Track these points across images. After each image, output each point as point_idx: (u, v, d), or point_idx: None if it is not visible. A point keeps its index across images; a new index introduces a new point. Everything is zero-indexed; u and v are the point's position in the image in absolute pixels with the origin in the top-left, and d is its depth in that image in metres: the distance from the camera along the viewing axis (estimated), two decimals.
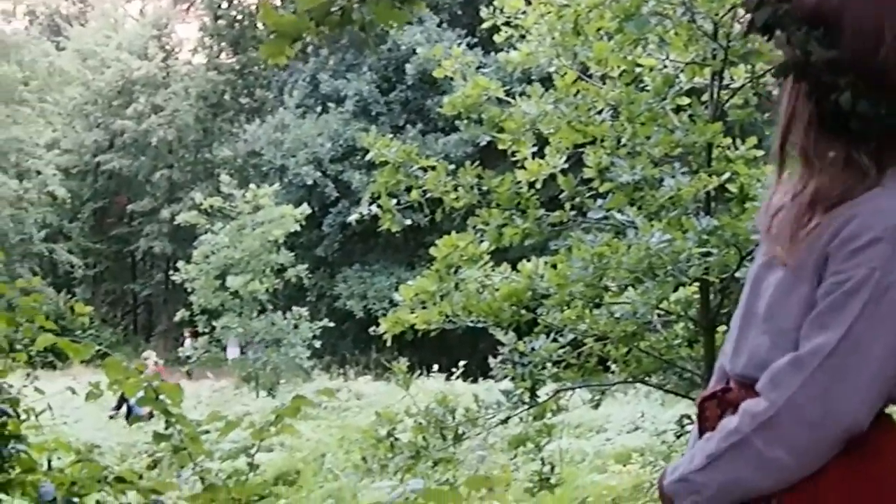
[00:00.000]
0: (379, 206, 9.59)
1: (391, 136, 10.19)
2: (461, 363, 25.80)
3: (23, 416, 5.20)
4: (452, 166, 9.63)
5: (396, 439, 9.57)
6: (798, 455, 2.35)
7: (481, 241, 9.50)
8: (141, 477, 5.02)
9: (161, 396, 4.76)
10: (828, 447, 2.34)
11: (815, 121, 2.51)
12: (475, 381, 24.96)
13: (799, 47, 2.46)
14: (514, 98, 9.67)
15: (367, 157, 9.95)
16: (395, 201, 9.56)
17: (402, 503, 4.47)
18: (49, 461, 5.21)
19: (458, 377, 26.35)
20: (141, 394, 4.77)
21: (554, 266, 9.06)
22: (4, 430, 5.07)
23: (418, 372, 28.43)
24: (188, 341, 37.87)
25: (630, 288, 8.90)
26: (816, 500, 2.38)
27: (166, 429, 4.78)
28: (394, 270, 43.55)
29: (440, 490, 4.32)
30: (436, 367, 28.51)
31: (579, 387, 9.69)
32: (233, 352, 36.80)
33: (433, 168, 9.51)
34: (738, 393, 2.56)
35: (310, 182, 45.01)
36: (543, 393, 9.54)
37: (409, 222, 9.84)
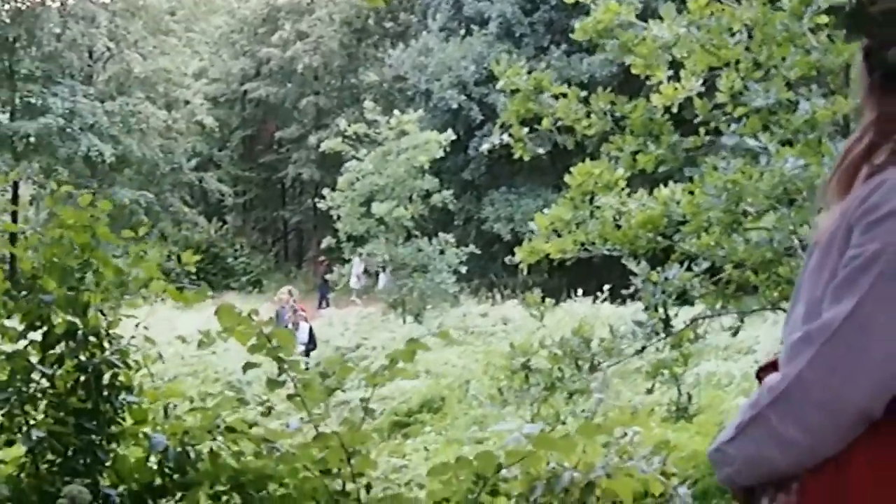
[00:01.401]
0: (510, 134, 9.50)
1: (535, 57, 10.01)
2: (607, 286, 25.57)
3: (135, 363, 5.24)
4: (584, 93, 9.49)
5: (531, 370, 9.49)
6: (809, 434, 2.22)
7: (616, 168, 9.37)
8: (253, 426, 5.01)
9: (273, 342, 4.70)
10: (841, 429, 2.20)
11: (875, 77, 2.38)
12: (623, 302, 24.81)
13: None
14: (648, 20, 9.45)
15: None
16: (526, 129, 9.46)
17: (513, 449, 4.40)
18: (165, 409, 5.23)
19: (604, 300, 26.19)
20: (253, 340, 4.72)
21: (691, 192, 8.89)
22: (115, 382, 5.10)
23: (565, 294, 28.41)
24: (335, 269, 38.00)
25: (770, 211, 8.69)
26: (840, 485, 2.23)
27: (279, 375, 4.74)
28: (540, 192, 43.31)
29: (550, 437, 4.25)
30: (580, 290, 28.41)
31: (716, 315, 9.52)
32: (355, 280, 37.13)
33: (565, 95, 9.37)
34: None
35: (454, 106, 44.89)
36: (680, 321, 9.39)
37: (552, 146, 9.73)
